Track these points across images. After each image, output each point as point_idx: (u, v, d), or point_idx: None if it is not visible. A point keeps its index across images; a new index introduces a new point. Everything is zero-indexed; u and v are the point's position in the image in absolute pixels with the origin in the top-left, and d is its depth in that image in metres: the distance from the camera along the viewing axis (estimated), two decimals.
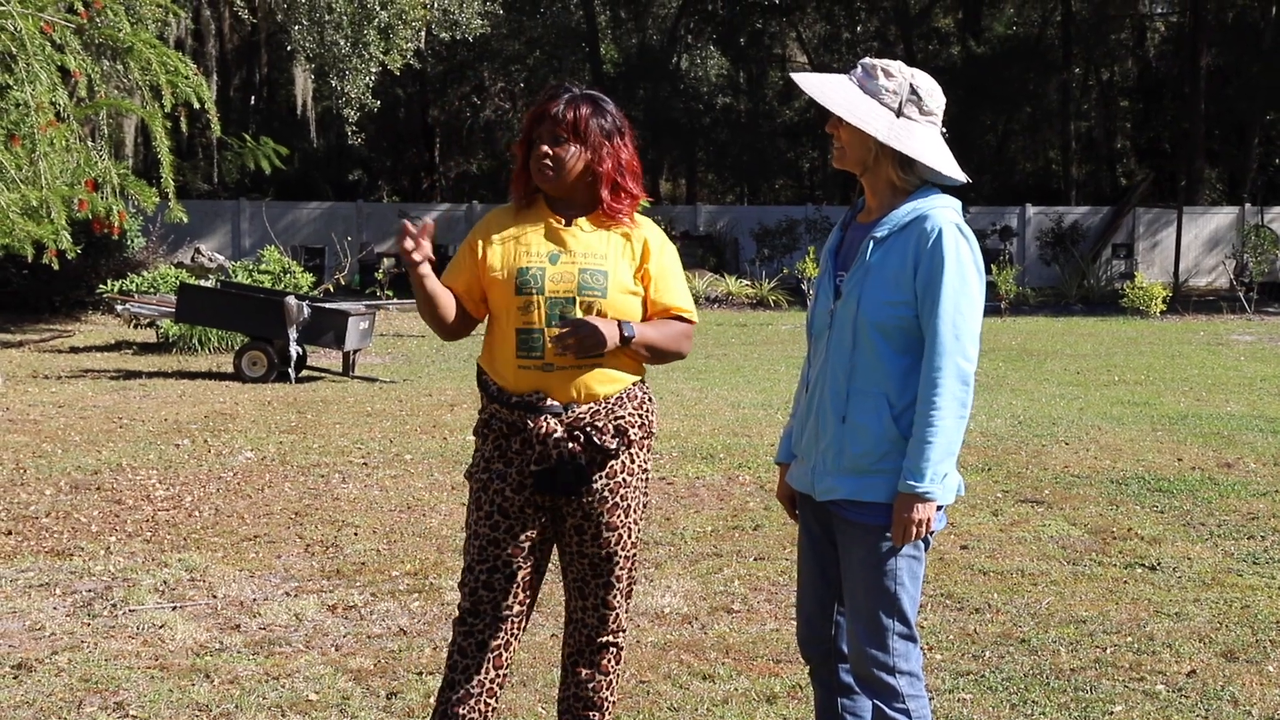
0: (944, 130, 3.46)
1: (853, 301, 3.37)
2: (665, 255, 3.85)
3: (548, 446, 3.67)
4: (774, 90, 44.36)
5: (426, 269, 3.72)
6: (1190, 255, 33.25)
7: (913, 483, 3.25)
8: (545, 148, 3.72)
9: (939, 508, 3.33)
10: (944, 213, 3.35)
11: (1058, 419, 11.40)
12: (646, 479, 3.88)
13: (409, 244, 3.68)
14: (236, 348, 15.48)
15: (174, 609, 5.83)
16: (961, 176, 3.43)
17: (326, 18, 23.43)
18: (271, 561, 6.67)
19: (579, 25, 39.86)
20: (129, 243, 22.85)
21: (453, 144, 45.84)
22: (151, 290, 18.80)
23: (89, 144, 10.65)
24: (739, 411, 11.95)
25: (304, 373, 14.92)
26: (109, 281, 19.85)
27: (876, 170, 3.40)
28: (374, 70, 24.84)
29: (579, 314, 3.68)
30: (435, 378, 14.88)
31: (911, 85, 3.38)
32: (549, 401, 3.69)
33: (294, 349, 14.51)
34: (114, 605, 5.87)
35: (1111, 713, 4.62)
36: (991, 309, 26.31)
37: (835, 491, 3.39)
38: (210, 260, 21.20)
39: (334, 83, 25.03)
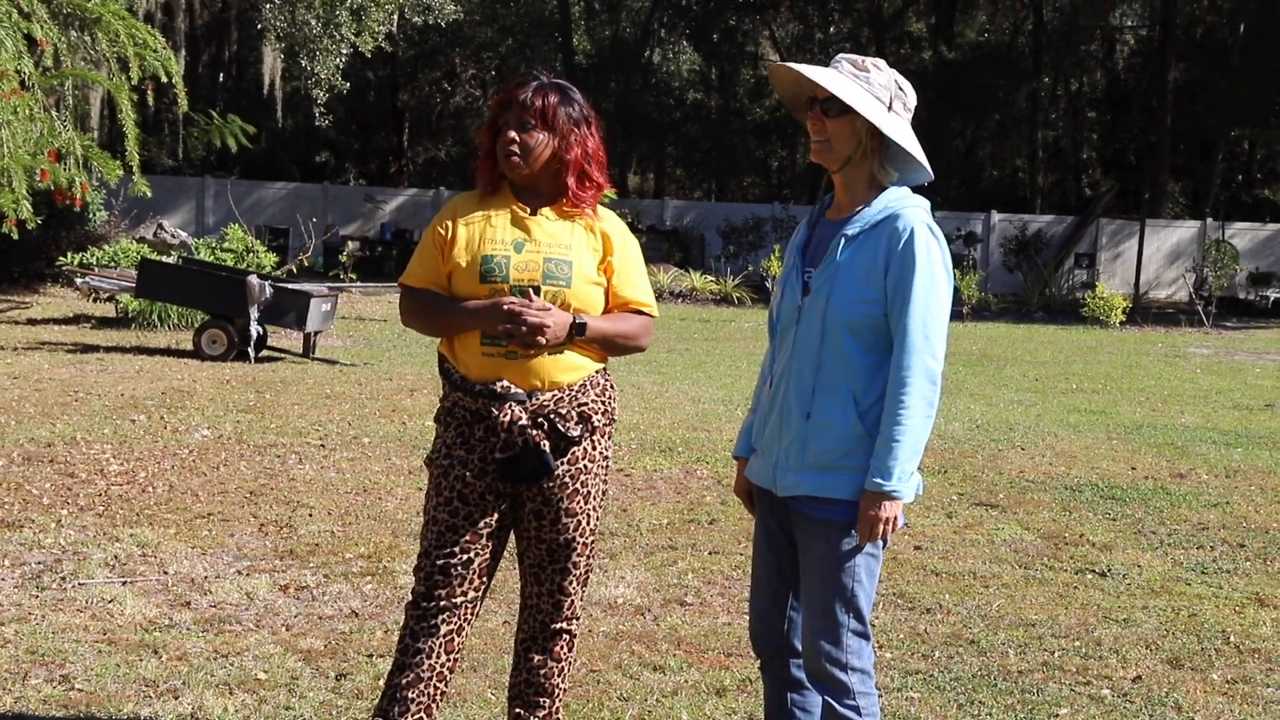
0: None
1: (822, 298, 3.36)
2: (628, 248, 3.85)
3: (512, 434, 3.66)
4: (745, 88, 44.43)
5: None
6: (1151, 267, 33.52)
7: (880, 480, 3.26)
8: (513, 133, 3.71)
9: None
10: (915, 212, 3.36)
11: (1015, 424, 11.47)
12: (607, 466, 3.88)
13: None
14: (196, 325, 15.39)
15: (124, 584, 5.79)
16: (928, 170, 3.46)
17: None
18: (224, 540, 6.64)
19: (552, 15, 39.80)
20: (91, 215, 22.67)
21: (422, 129, 45.69)
22: (112, 264, 18.65)
23: (53, 114, 10.57)
24: (699, 406, 11.97)
25: (264, 353, 14.84)
26: (69, 254, 19.68)
27: (859, 165, 3.40)
28: (345, 52, 24.72)
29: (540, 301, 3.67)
30: (395, 362, 14.83)
31: (895, 82, 3.40)
32: (513, 389, 3.68)
33: (255, 328, 14.43)
34: (63, 578, 5.83)
35: (1057, 715, 4.65)
36: (954, 314, 26.33)
37: (798, 488, 3.39)
38: (173, 236, 21.07)
39: (304, 63, 24.90)
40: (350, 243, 29.88)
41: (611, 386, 3.87)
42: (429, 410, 10.49)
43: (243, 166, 37.26)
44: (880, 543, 3.39)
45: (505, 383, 3.68)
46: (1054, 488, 8.73)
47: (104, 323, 17.72)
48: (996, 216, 34.70)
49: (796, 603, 3.53)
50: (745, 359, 16.42)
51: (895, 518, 3.29)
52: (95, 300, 19.02)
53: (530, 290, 3.68)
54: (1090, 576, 6.57)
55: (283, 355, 15.11)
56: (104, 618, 5.33)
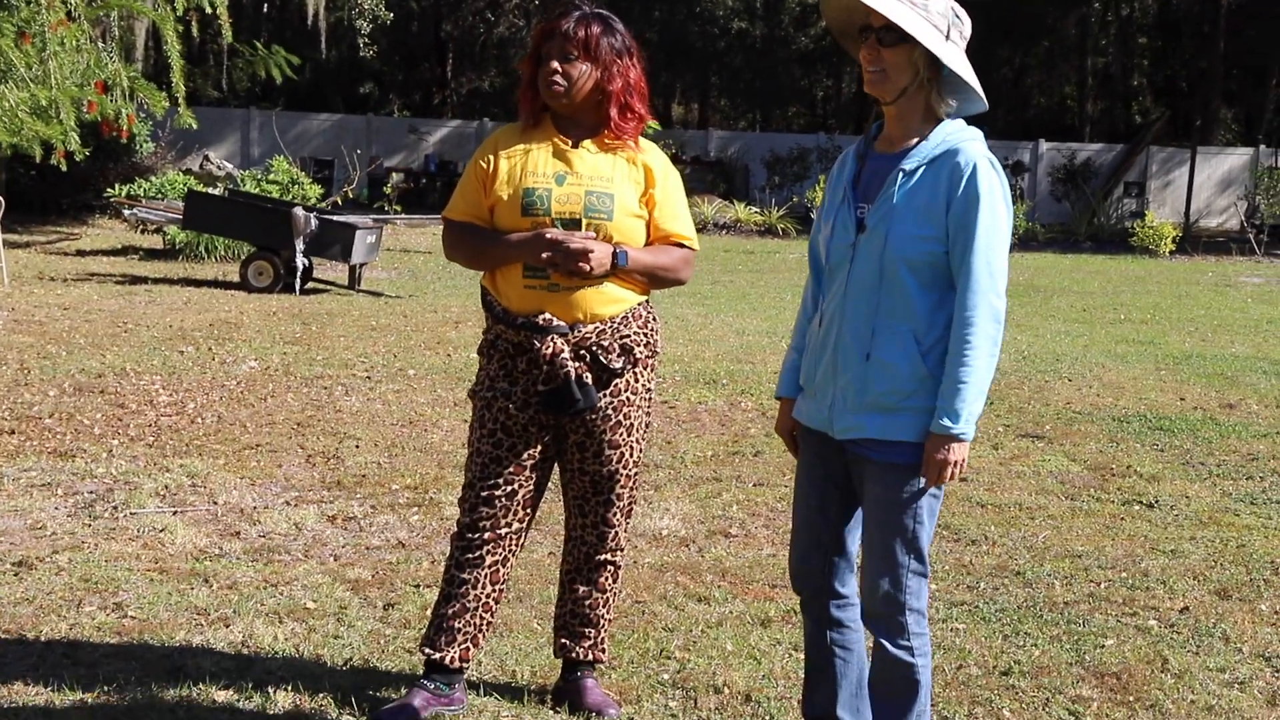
0: None
1: (879, 235, 3.26)
2: (669, 181, 3.82)
3: (554, 366, 3.66)
4: (790, 16, 43.93)
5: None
6: (1202, 196, 33.08)
7: (948, 423, 3.17)
8: (555, 64, 3.68)
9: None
10: (975, 145, 3.26)
11: (1062, 355, 11.39)
12: (650, 399, 3.88)
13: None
14: (243, 257, 15.46)
15: (174, 514, 5.86)
16: (984, 101, 3.36)
17: None
18: (273, 470, 6.70)
19: None
20: (137, 147, 22.75)
21: (465, 60, 45.48)
22: (159, 196, 18.75)
23: (99, 45, 10.59)
24: (743, 338, 11.95)
25: (310, 285, 14.90)
26: (116, 185, 19.79)
27: (914, 97, 3.28)
28: None
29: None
30: (440, 294, 14.86)
31: (952, 9, 3.28)
32: (555, 322, 3.68)
33: (300, 260, 14.48)
34: (115, 508, 5.90)
35: (1103, 646, 4.65)
36: None
37: (860, 430, 3.29)
38: (219, 168, 21.13)
39: None
40: (394, 174, 29.86)
41: (654, 319, 3.86)
42: (474, 342, 10.52)
43: (287, 98, 37.25)
44: (935, 490, 3.34)
45: (547, 315, 3.68)
46: (1101, 419, 8.68)
47: (151, 254, 17.83)
48: (1044, 145, 34.30)
49: (838, 545, 3.50)
50: (790, 290, 16.36)
51: (963, 459, 3.23)
52: (143, 232, 19.14)
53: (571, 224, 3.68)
54: (1137, 508, 6.54)
55: (328, 287, 15.17)
56: (155, 547, 5.40)
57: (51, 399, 8.16)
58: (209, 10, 10.23)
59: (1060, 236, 28.40)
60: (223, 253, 17.34)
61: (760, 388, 9.36)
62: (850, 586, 3.54)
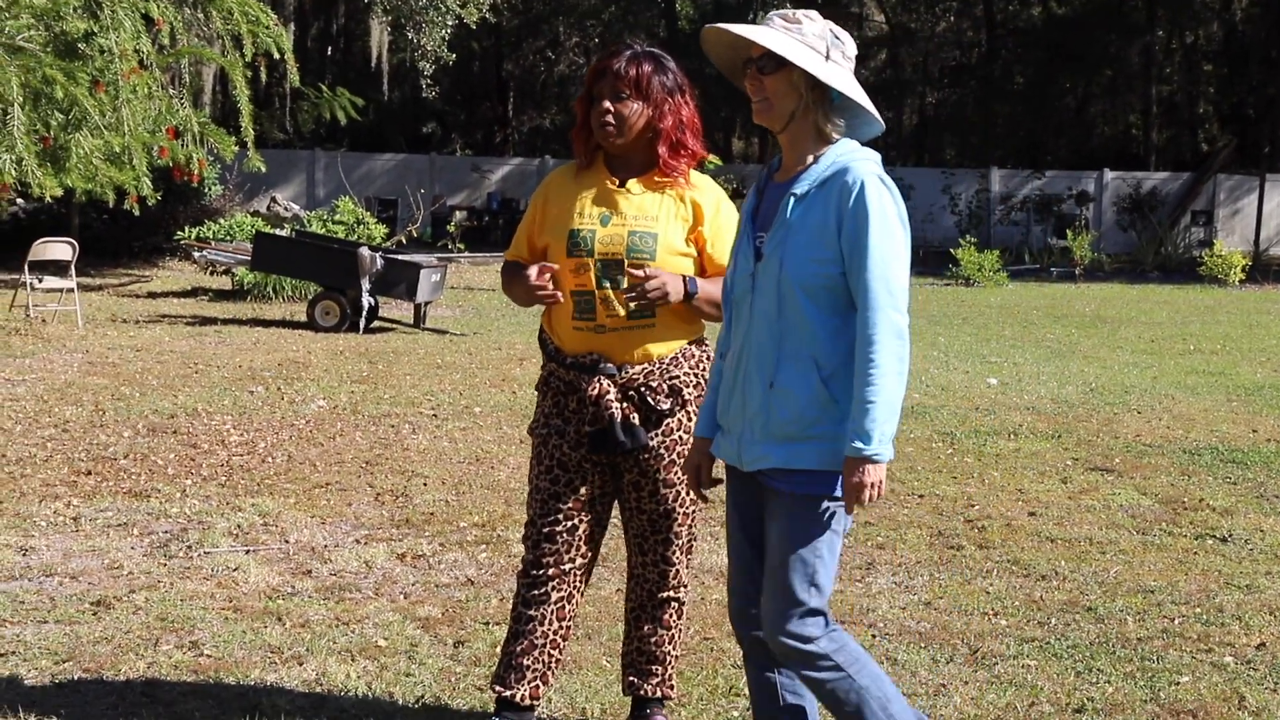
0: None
1: (775, 262, 3.24)
2: (720, 216, 3.83)
3: (600, 408, 3.70)
4: None
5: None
6: (1272, 223, 32.70)
7: (859, 445, 3.11)
8: (607, 104, 3.72)
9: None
10: (864, 165, 3.22)
11: (1130, 387, 11.29)
12: None
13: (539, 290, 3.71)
14: (310, 297, 15.64)
15: (247, 552, 5.93)
16: (879, 121, 3.33)
17: None
18: (342, 509, 6.77)
19: None
20: (207, 190, 23.12)
21: (526, 98, 45.85)
22: (228, 238, 19.02)
23: (170, 92, 10.78)
24: None
25: (375, 323, 15.05)
26: (186, 228, 20.10)
27: (802, 121, 3.28)
28: (450, 23, 24.87)
29: (630, 273, 3.68)
30: (505, 331, 14.96)
31: (830, 30, 3.27)
32: (604, 363, 3.72)
33: (366, 300, 14.63)
34: (189, 547, 5.99)
35: (1178, 683, 4.60)
36: (1065, 275, 26.05)
37: (765, 460, 3.26)
38: (285, 209, 21.41)
39: (410, 35, 25.12)
40: (458, 213, 30.10)
41: (707, 358, 3.88)
42: (537, 379, 10.58)
43: (351, 138, 37.69)
44: (847, 518, 3.29)
45: (595, 355, 3.72)
46: (1172, 451, 8.59)
47: (221, 295, 18.07)
48: (1109, 175, 34.04)
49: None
50: None
51: (880, 481, 3.14)
52: (212, 273, 19.42)
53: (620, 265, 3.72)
54: (1210, 542, 6.46)
55: (394, 326, 15.31)
56: (229, 585, 5.47)
57: (126, 440, 8.29)
58: (276, 55, 10.40)
59: (1127, 266, 28.15)
60: (290, 293, 17.55)
61: None
62: None
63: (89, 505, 6.66)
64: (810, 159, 3.29)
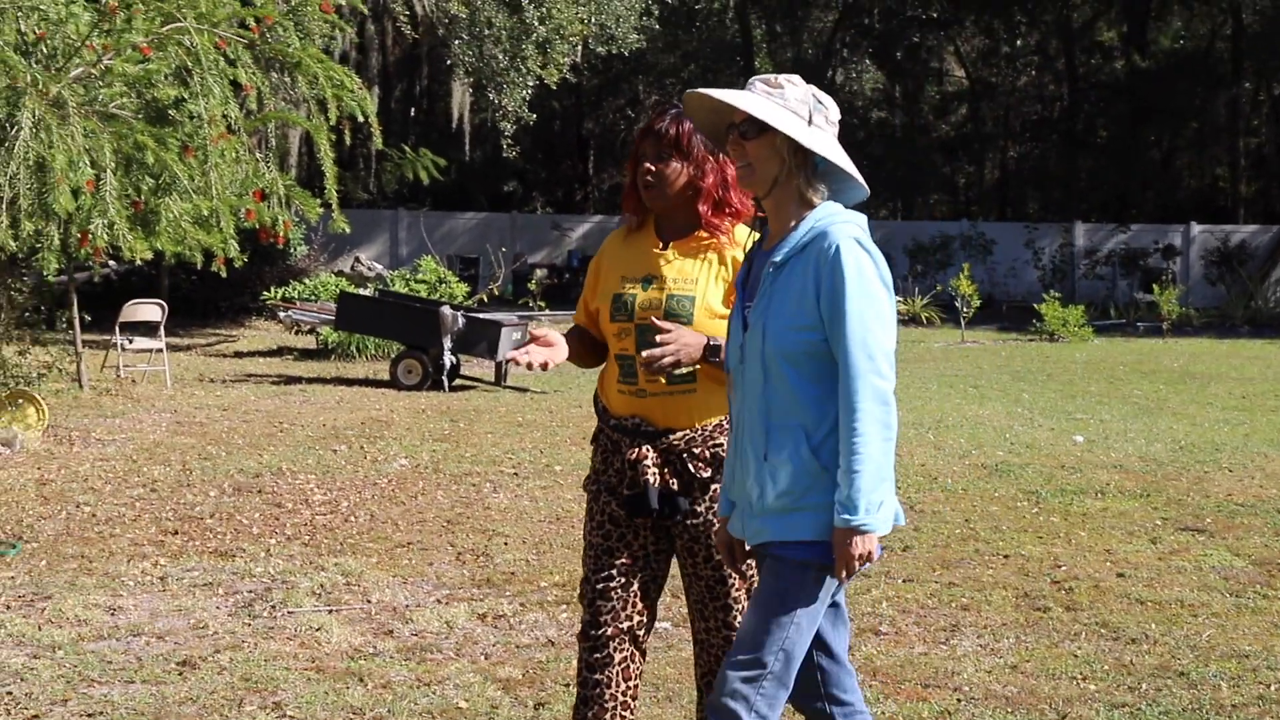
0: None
1: (758, 332, 3.22)
2: None
3: (636, 472, 3.69)
4: (930, 105, 43.91)
5: (556, 356, 3.74)
6: None
7: (847, 516, 3.07)
8: (648, 164, 3.74)
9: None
10: (843, 227, 3.19)
11: (1221, 445, 11.08)
12: None
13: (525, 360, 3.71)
14: (393, 355, 15.79)
15: (330, 612, 5.97)
16: (864, 185, 3.29)
17: (486, 32, 23.82)
18: (424, 568, 6.79)
19: (734, 39, 39.91)
20: (292, 251, 23.47)
21: (606, 156, 46.18)
22: (312, 298, 19.28)
23: (257, 155, 10.96)
24: None
25: (457, 382, 15.15)
26: (272, 288, 20.40)
27: (786, 186, 3.25)
28: (530, 84, 25.15)
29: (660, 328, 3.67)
30: (585, 389, 15.00)
31: (814, 95, 3.26)
32: (644, 426, 3.72)
33: (448, 358, 14.75)
34: (273, 606, 6.03)
35: None
36: (1152, 329, 25.69)
37: (762, 534, 3.24)
38: (369, 269, 21.66)
39: (491, 96, 25.42)
40: (538, 270, 30.31)
41: None
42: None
43: (433, 198, 38.13)
44: (826, 594, 3.20)
45: (637, 419, 3.72)
46: (1265, 511, 8.40)
47: (306, 354, 18.31)
48: (1196, 228, 33.59)
49: (825, 650, 3.37)
50: (935, 380, 16.19)
51: (870, 551, 3.10)
52: (297, 333, 19.67)
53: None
54: None
55: (475, 384, 15.41)
56: (312, 645, 5.50)
57: (212, 499, 8.40)
58: (360, 118, 10.53)
59: (1216, 320, 27.70)
60: (373, 352, 17.74)
61: (908, 481, 9.26)
62: (853, 693, 3.41)
63: (176, 565, 6.74)
64: (792, 224, 3.26)
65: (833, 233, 3.17)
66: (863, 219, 3.27)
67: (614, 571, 3.78)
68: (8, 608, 5.93)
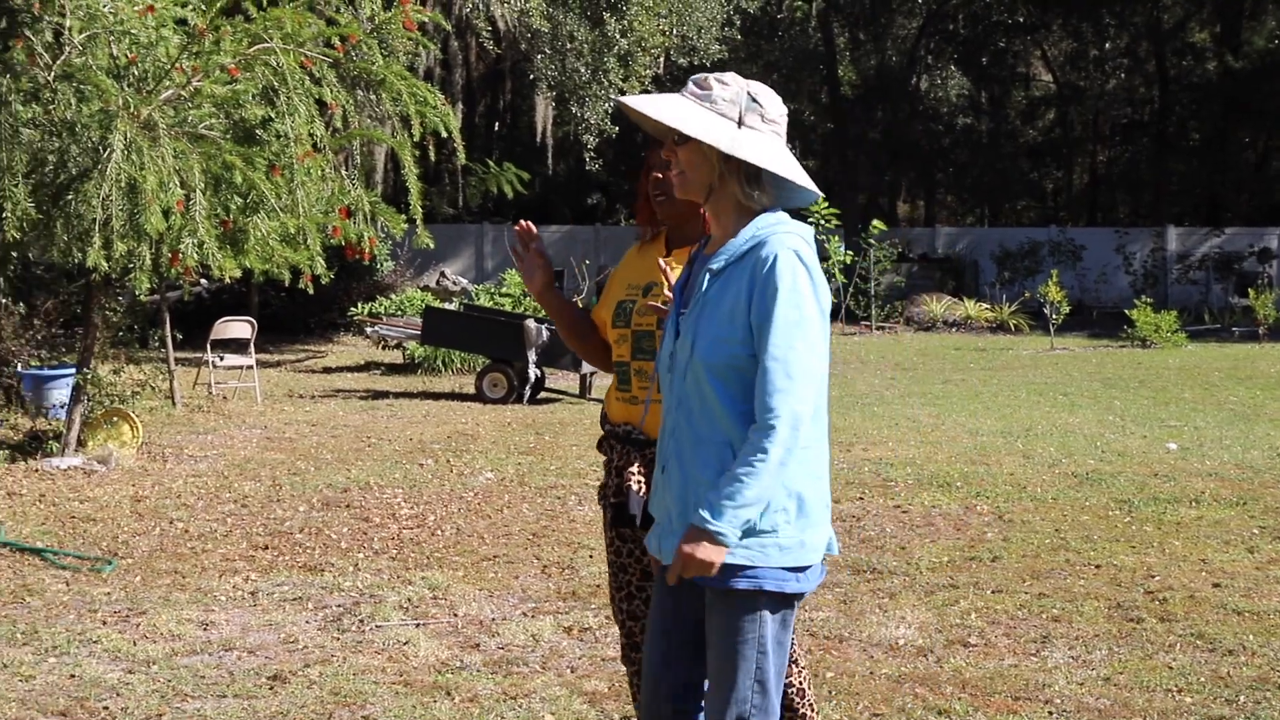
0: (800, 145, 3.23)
1: (688, 341, 3.06)
2: None
3: (623, 479, 3.67)
4: (1017, 110, 43.45)
5: (541, 281, 3.70)
6: None
7: (705, 514, 2.91)
8: (657, 174, 3.74)
9: (800, 569, 3.04)
10: (784, 238, 3.03)
11: None
12: None
13: (519, 249, 3.67)
14: (478, 369, 15.89)
15: (417, 626, 6.00)
16: (813, 188, 3.13)
17: (568, 46, 23.92)
18: (510, 582, 6.81)
19: (816, 48, 39.77)
20: (378, 267, 23.71)
21: None
22: (399, 313, 19.46)
23: (343, 173, 11.09)
24: (977, 439, 11.71)
25: (542, 395, 15.21)
26: (359, 304, 20.62)
27: (722, 192, 3.09)
28: (612, 96, 25.21)
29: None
30: None
31: (749, 93, 3.09)
32: (634, 433, 3.71)
33: (533, 371, 14.81)
34: (361, 621, 6.08)
35: None
36: (1248, 334, 25.21)
37: None
38: (454, 284, 21.83)
39: (574, 109, 25.52)
40: None
41: None
42: None
43: (518, 211, 38.32)
44: (791, 608, 3.09)
45: (628, 426, 3.70)
46: None
47: (392, 369, 18.47)
48: None
49: (687, 683, 3.24)
50: (1024, 388, 15.99)
51: (715, 564, 2.93)
52: (384, 348, 19.86)
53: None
54: None
55: (560, 396, 15.46)
56: (400, 659, 5.54)
57: (301, 514, 8.49)
58: (444, 134, 10.62)
59: None
60: (459, 366, 17.86)
61: (996, 490, 9.15)
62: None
63: (266, 579, 6.82)
64: (738, 230, 3.11)
65: (773, 242, 3.02)
66: (808, 230, 3.12)
67: (632, 590, 3.76)
68: (104, 623, 6.03)
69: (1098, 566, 7.07)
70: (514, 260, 3.68)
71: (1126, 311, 24.48)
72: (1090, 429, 12.30)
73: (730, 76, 3.12)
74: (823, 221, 19.50)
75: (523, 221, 3.73)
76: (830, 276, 21.05)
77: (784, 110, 3.15)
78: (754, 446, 2.92)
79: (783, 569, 3.03)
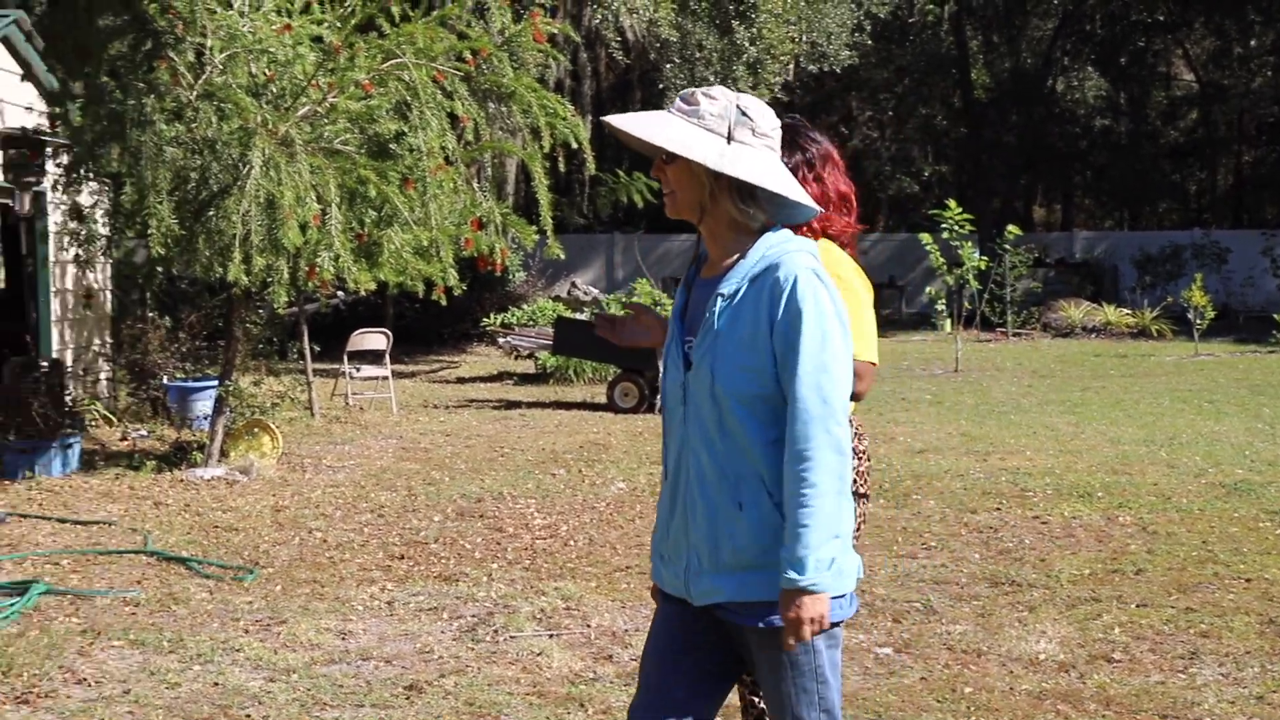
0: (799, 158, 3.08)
1: (705, 371, 2.95)
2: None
3: None
4: (1157, 110, 42.49)
5: (658, 337, 3.51)
6: None
7: (793, 575, 2.83)
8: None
9: (840, 596, 2.92)
10: (798, 257, 2.94)
11: None
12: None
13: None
14: (610, 379, 15.93)
15: (551, 637, 6.02)
16: (810, 204, 3.03)
17: (697, 55, 23.94)
18: (642, 592, 6.80)
19: (949, 51, 39.29)
20: (510, 277, 23.92)
21: None
22: (530, 323, 19.59)
23: (474, 185, 11.20)
24: (1119, 448, 11.43)
25: None
26: (491, 315, 20.81)
27: (715, 210, 2.99)
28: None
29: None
30: None
31: (738, 107, 2.99)
32: None
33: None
34: (495, 631, 6.11)
35: None
36: None
37: (717, 593, 2.96)
38: (585, 293, 21.93)
39: None
40: None
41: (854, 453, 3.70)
42: None
43: (648, 221, 38.40)
44: (834, 643, 2.98)
45: None
46: None
47: (525, 379, 18.61)
48: None
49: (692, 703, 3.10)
50: (1167, 395, 15.58)
51: (823, 614, 2.85)
52: (516, 358, 20.01)
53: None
54: None
55: None
56: (533, 670, 5.55)
57: (436, 524, 8.57)
58: (574, 144, 10.68)
59: None
60: (591, 375, 17.92)
61: (1139, 501, 8.92)
62: None
63: (402, 589, 6.89)
64: (736, 254, 3.00)
65: (788, 263, 2.93)
66: (814, 246, 3.04)
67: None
68: (246, 631, 6.14)
69: (1248, 580, 6.85)
70: (610, 336, 3.48)
71: (1275, 315, 23.75)
72: (1237, 437, 11.94)
73: (718, 90, 3.03)
74: (956, 227, 19.19)
75: (627, 305, 3.65)
76: (964, 283, 20.71)
77: (776, 123, 3.05)
78: (804, 482, 2.84)
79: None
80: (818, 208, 3.07)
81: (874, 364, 3.65)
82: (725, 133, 2.97)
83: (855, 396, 3.49)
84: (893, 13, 32.48)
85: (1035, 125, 38.34)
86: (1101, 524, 8.29)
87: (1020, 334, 25.74)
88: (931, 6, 37.65)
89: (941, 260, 19.75)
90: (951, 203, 19.82)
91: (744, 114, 2.99)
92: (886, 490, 9.41)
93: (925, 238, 19.85)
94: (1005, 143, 37.94)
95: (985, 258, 21.24)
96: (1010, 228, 22.39)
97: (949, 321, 24.13)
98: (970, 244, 19.97)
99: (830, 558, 2.85)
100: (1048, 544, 7.77)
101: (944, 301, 22.81)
